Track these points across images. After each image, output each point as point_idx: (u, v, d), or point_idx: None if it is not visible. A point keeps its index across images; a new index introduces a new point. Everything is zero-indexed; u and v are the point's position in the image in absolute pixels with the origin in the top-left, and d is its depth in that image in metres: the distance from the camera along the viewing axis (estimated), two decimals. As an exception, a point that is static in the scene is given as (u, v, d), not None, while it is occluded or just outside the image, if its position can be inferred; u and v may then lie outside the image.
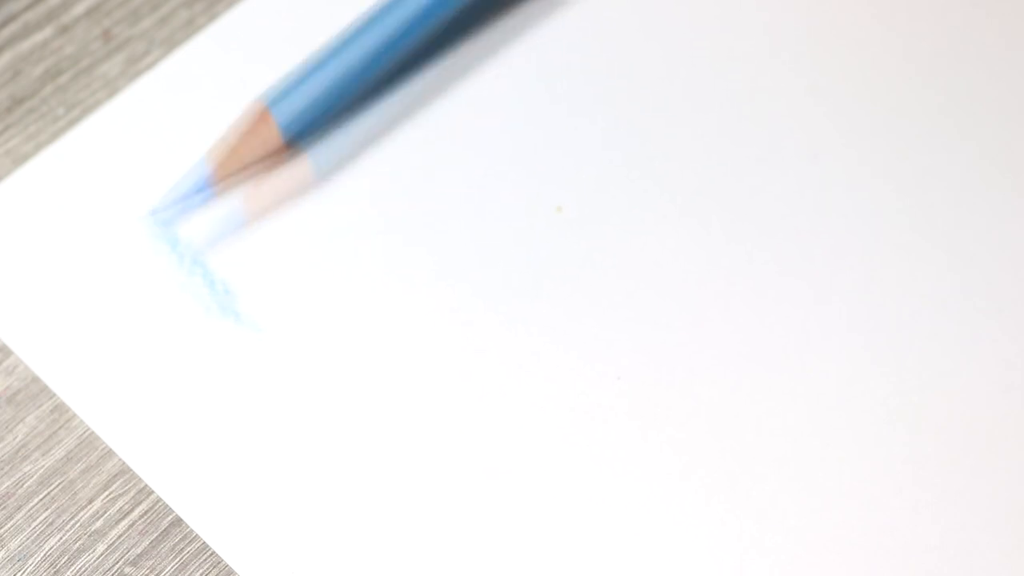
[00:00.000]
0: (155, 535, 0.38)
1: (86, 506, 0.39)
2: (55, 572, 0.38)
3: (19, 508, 0.39)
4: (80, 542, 0.38)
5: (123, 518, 0.38)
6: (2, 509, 0.39)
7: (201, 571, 0.38)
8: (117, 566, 0.38)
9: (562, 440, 0.39)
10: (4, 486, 0.39)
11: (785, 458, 0.38)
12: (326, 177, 0.43)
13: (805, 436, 0.39)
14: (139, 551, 0.38)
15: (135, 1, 0.46)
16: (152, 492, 0.39)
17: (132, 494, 0.39)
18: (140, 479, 0.39)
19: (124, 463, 0.39)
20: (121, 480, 0.39)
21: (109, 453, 0.39)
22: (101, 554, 0.38)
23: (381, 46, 0.43)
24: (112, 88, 0.44)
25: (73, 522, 0.38)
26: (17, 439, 0.40)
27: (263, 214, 0.42)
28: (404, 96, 0.44)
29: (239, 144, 0.42)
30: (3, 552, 0.38)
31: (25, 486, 0.39)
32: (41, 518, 0.39)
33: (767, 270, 0.41)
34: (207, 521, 0.38)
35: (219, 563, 0.38)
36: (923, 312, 0.40)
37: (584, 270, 0.41)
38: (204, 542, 0.38)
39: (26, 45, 0.45)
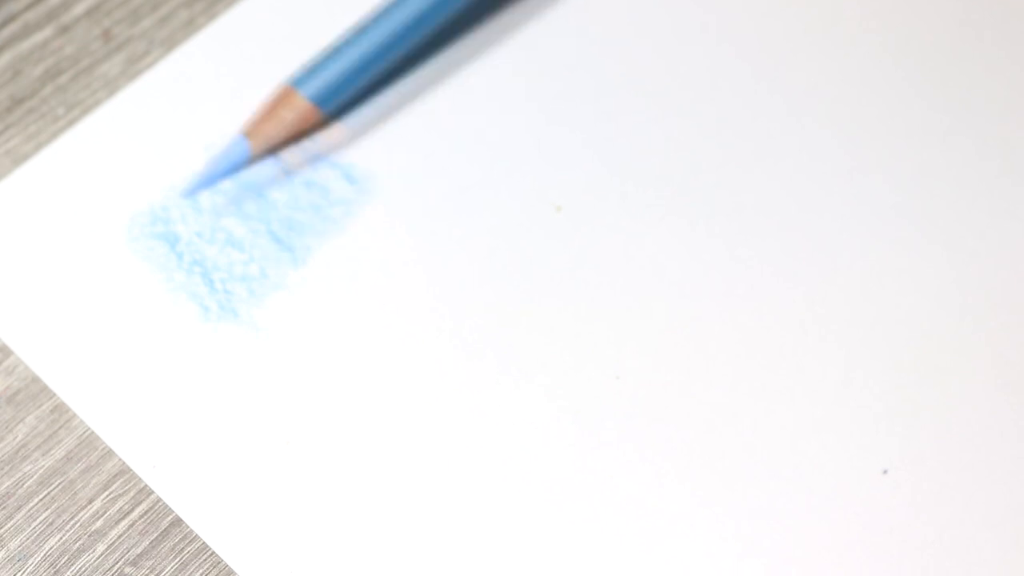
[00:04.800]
0: (155, 535, 0.38)
1: (86, 506, 0.39)
2: (55, 572, 0.38)
3: (19, 508, 0.39)
4: (80, 542, 0.38)
5: (123, 518, 0.38)
6: (2, 509, 0.39)
7: (201, 571, 0.38)
8: (117, 566, 0.38)
9: (560, 439, 0.39)
10: (4, 486, 0.39)
11: (784, 457, 0.38)
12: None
13: (804, 435, 0.39)
14: (139, 551, 0.38)
15: (135, 1, 0.46)
16: (152, 492, 0.39)
17: (132, 494, 0.39)
18: (140, 479, 0.39)
19: (124, 463, 0.39)
20: (121, 480, 0.39)
21: (109, 453, 0.39)
22: (101, 554, 0.38)
23: (384, 40, 0.43)
24: (112, 88, 0.44)
25: (73, 522, 0.38)
26: (17, 439, 0.40)
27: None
28: (402, 94, 0.44)
29: (276, 123, 0.43)
30: (3, 552, 0.38)
31: (25, 486, 0.39)
32: (41, 518, 0.39)
33: (766, 269, 0.41)
34: (207, 521, 0.38)
35: (219, 563, 0.38)
36: (922, 312, 0.40)
37: (583, 270, 0.41)
38: (204, 542, 0.38)
39: (26, 45, 0.45)
